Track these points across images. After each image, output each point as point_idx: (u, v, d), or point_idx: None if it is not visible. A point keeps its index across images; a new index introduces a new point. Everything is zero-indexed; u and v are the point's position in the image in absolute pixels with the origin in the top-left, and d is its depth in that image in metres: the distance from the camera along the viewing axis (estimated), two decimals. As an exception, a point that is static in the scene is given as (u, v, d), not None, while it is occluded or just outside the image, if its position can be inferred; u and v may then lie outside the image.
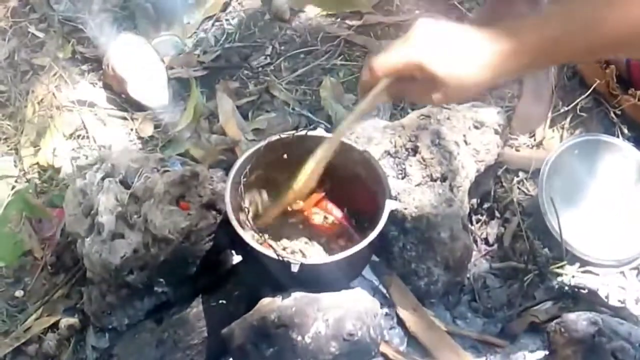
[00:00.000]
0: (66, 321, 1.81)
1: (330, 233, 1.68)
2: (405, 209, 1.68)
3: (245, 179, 1.59)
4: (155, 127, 2.24)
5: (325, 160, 1.49)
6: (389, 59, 1.29)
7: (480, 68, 1.24)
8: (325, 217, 1.66)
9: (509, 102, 2.26)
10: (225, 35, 2.50)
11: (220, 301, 1.64)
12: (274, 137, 1.62)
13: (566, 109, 2.21)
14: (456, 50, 1.24)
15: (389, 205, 1.51)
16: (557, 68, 2.28)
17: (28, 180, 2.11)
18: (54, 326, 1.83)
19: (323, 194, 1.65)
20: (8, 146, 2.22)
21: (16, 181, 2.12)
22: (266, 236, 1.60)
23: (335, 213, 1.66)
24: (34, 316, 1.84)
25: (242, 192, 1.60)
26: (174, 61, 2.40)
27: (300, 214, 1.66)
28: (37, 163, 2.15)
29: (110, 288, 1.66)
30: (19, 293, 1.91)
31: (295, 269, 1.41)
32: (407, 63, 1.26)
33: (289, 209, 1.60)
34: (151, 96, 2.28)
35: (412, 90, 1.31)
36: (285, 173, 1.65)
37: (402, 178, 1.74)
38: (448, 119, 1.84)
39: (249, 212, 1.66)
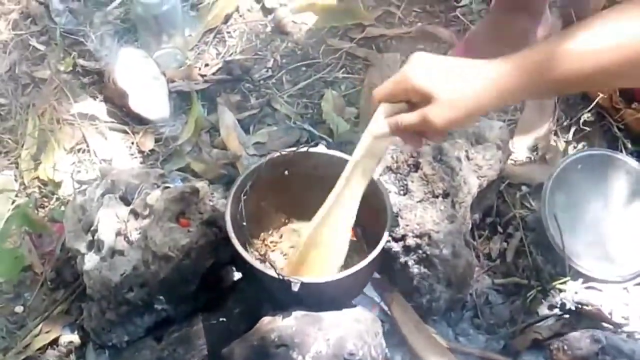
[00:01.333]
0: (66, 337, 1.80)
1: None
2: (407, 225, 1.67)
3: (245, 197, 1.59)
4: (156, 140, 2.23)
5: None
6: (385, 84, 1.35)
7: (476, 87, 1.26)
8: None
9: (511, 116, 2.25)
10: (226, 48, 2.50)
11: (221, 319, 1.63)
12: (275, 154, 1.61)
13: (569, 122, 2.20)
14: (449, 74, 1.29)
15: (390, 223, 1.50)
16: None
17: (28, 195, 2.10)
18: (54, 342, 1.81)
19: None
20: (8, 160, 2.21)
21: (16, 195, 2.11)
22: (267, 255, 1.59)
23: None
24: (33, 332, 1.83)
25: (243, 210, 1.59)
26: (175, 74, 2.39)
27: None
28: (38, 177, 2.14)
29: (110, 305, 1.65)
30: (18, 309, 1.89)
31: (295, 288, 1.40)
32: (399, 83, 1.31)
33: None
34: (152, 109, 2.27)
35: (410, 117, 1.32)
36: (286, 189, 1.65)
37: (404, 194, 1.73)
38: (450, 134, 1.83)
39: (249, 230, 1.65)
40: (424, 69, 1.29)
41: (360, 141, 1.41)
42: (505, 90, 1.26)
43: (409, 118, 1.31)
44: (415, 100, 1.30)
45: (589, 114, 2.19)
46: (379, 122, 1.35)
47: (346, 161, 1.57)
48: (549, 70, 1.22)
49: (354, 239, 1.68)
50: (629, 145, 2.12)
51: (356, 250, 1.65)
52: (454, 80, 1.27)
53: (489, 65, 1.27)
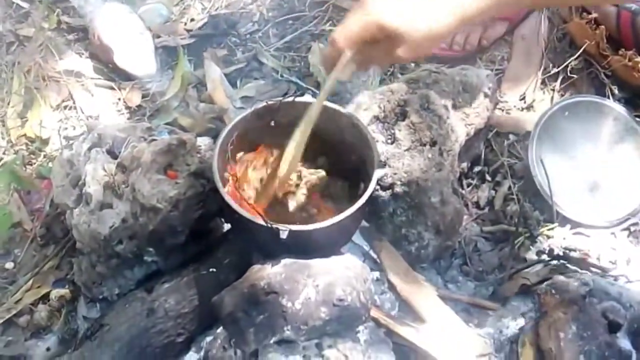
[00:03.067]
0: (57, 292, 1.81)
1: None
2: (395, 174, 1.67)
3: (232, 147, 1.59)
4: (143, 96, 2.22)
5: (304, 142, 1.49)
6: (348, 27, 1.29)
7: (441, 13, 1.23)
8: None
9: (499, 65, 2.25)
10: (212, 3, 2.48)
11: (211, 269, 1.63)
12: (261, 104, 1.61)
13: (556, 70, 2.20)
14: (415, 7, 1.25)
15: (378, 173, 1.51)
16: (547, 30, 2.27)
17: (16, 152, 2.10)
18: (45, 297, 1.82)
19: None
20: (-5, 118, 2.20)
21: (4, 153, 2.11)
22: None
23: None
24: (24, 288, 1.84)
25: (230, 160, 1.59)
26: (161, 29, 2.37)
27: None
28: (25, 134, 2.13)
29: (100, 258, 1.65)
30: (9, 265, 1.90)
31: (284, 235, 1.40)
32: (366, 26, 1.26)
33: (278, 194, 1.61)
34: (138, 65, 2.26)
35: (377, 54, 1.30)
36: (272, 139, 1.64)
37: (392, 143, 1.72)
38: (437, 82, 1.82)
39: (237, 179, 1.65)
40: (386, 6, 1.25)
41: (325, 87, 1.43)
42: (471, 13, 1.23)
43: (379, 61, 1.29)
44: (381, 38, 1.27)
45: (576, 62, 2.19)
46: (346, 69, 1.34)
47: (333, 111, 1.59)
48: None
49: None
50: (616, 92, 2.12)
51: (344, 198, 1.65)
52: (418, 15, 1.23)
53: None
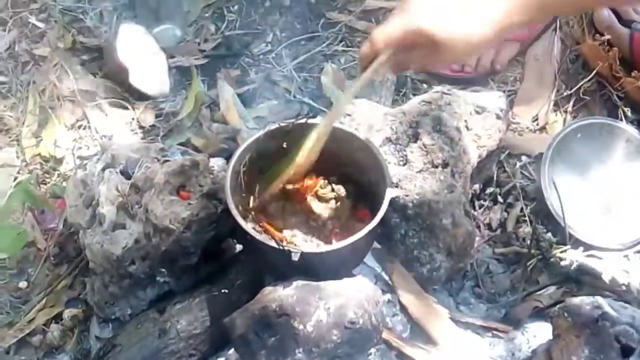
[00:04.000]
0: (69, 312, 1.82)
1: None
2: (407, 195, 1.67)
3: (245, 168, 1.59)
4: (157, 116, 2.23)
5: (326, 133, 1.49)
6: (388, 29, 1.29)
7: (481, 23, 1.22)
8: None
9: (511, 86, 2.25)
10: (225, 23, 2.49)
11: (223, 290, 1.64)
12: (273, 126, 1.61)
13: (569, 92, 2.20)
14: (453, 9, 1.24)
15: (390, 193, 1.51)
16: (560, 51, 2.27)
17: (30, 171, 2.11)
18: (58, 317, 1.83)
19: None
20: (10, 137, 2.21)
21: (18, 172, 2.11)
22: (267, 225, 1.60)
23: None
24: (37, 307, 1.84)
25: (243, 181, 1.60)
26: (175, 50, 2.39)
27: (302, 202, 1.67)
28: (39, 154, 2.14)
29: (113, 278, 1.66)
30: (22, 284, 1.91)
31: (296, 257, 1.41)
32: (406, 30, 1.26)
33: (290, 186, 1.61)
34: (152, 85, 2.28)
35: (415, 58, 1.30)
36: (285, 161, 1.65)
37: (404, 165, 1.73)
38: (449, 104, 1.83)
39: (249, 201, 1.66)
40: (427, 11, 1.25)
41: (357, 83, 1.40)
42: (512, 23, 1.23)
43: (415, 65, 1.29)
44: (419, 42, 1.26)
45: (589, 83, 2.19)
46: (380, 70, 1.33)
47: (345, 132, 1.59)
48: None
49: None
50: (629, 114, 2.12)
51: (356, 221, 1.65)
52: (462, 23, 1.23)
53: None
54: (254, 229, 1.54)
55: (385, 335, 1.56)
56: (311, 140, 1.48)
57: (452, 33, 1.23)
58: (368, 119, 1.79)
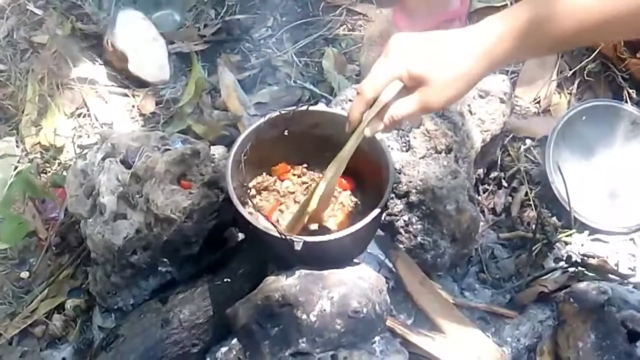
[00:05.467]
0: (72, 302, 1.81)
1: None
2: (410, 182, 1.65)
3: (246, 157, 1.57)
4: (157, 103, 2.22)
5: (335, 180, 1.48)
6: (376, 79, 1.28)
7: (466, 58, 1.22)
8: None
9: (514, 68, 2.22)
10: (225, 8, 2.47)
11: (225, 279, 1.63)
12: (274, 114, 1.59)
13: (573, 74, 2.18)
14: (438, 49, 1.24)
15: (393, 180, 1.49)
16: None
17: (30, 161, 2.10)
18: (60, 307, 1.82)
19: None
20: (9, 126, 2.20)
21: (18, 162, 2.10)
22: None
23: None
24: (39, 297, 1.84)
25: (244, 170, 1.58)
26: (174, 36, 2.37)
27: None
28: (39, 143, 2.13)
29: (115, 268, 1.65)
30: (24, 274, 1.90)
31: (298, 247, 1.39)
32: (392, 74, 1.25)
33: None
34: (152, 72, 2.26)
35: (408, 108, 1.28)
36: (287, 149, 1.63)
37: (407, 151, 1.72)
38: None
39: (251, 189, 1.65)
40: (412, 54, 1.24)
41: (350, 142, 1.39)
42: (498, 57, 1.21)
43: (407, 110, 1.27)
44: (409, 85, 1.26)
45: (593, 65, 2.17)
46: (374, 123, 1.32)
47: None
48: (548, 28, 1.17)
49: (350, 186, 1.69)
50: (634, 95, 2.10)
51: (359, 209, 1.64)
52: (445, 59, 1.22)
53: (477, 33, 1.22)
54: (254, 217, 1.53)
55: (389, 322, 1.54)
56: (320, 189, 1.47)
57: (438, 70, 1.22)
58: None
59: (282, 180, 1.71)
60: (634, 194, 1.92)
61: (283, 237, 1.40)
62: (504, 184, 1.99)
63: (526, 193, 1.96)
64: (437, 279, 1.74)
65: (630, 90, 2.10)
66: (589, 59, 2.17)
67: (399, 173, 1.65)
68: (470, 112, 1.80)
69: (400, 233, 1.69)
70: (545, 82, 2.18)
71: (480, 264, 1.85)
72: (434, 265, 1.71)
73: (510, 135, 2.06)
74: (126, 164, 1.69)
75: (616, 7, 1.13)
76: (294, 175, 1.72)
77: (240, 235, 1.74)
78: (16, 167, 2.08)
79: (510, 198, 1.97)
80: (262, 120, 1.59)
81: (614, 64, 2.15)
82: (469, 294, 1.78)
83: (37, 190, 2.00)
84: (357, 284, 1.46)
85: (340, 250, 1.50)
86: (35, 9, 2.49)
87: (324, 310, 1.41)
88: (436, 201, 1.65)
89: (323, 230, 1.59)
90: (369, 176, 1.61)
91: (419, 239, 1.68)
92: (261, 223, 1.48)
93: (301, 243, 1.39)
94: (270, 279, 1.48)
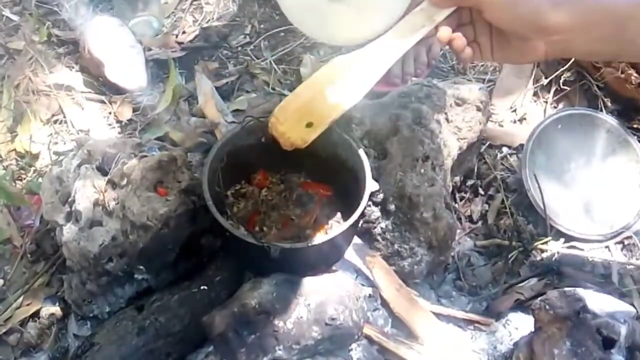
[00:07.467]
0: (47, 310, 1.79)
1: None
2: (387, 189, 1.66)
3: (223, 164, 1.57)
4: (134, 110, 2.21)
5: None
6: None
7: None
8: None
9: (491, 76, 2.24)
10: (203, 15, 2.47)
11: (202, 287, 1.62)
12: (252, 121, 1.59)
13: (549, 82, 2.19)
14: None
15: (369, 187, 1.49)
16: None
17: (5, 167, 2.07)
18: (35, 315, 1.80)
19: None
20: (-16, 133, 2.18)
21: (-7, 168, 2.09)
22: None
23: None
24: (14, 305, 1.81)
25: (221, 177, 1.58)
26: (152, 42, 2.36)
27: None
28: (14, 149, 2.10)
29: (90, 276, 1.63)
30: (-2, 282, 1.88)
31: (275, 253, 1.39)
32: None
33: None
34: (129, 79, 2.24)
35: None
36: (264, 156, 1.63)
37: (383, 158, 1.72)
38: (429, 96, 1.82)
39: (228, 197, 1.64)
40: None
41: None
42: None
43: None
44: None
45: (569, 74, 2.19)
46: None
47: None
48: None
49: (328, 193, 1.69)
50: (609, 104, 2.12)
51: (336, 216, 1.64)
52: None
53: None
54: (231, 224, 1.52)
55: (366, 330, 1.54)
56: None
57: None
58: (347, 112, 1.78)
59: (261, 188, 1.71)
60: (610, 202, 1.94)
61: (260, 244, 1.40)
62: (481, 191, 2.00)
63: (502, 201, 1.97)
64: (414, 286, 1.74)
65: (605, 99, 2.13)
66: (565, 67, 2.19)
67: (376, 180, 1.65)
68: (447, 119, 1.81)
69: (377, 240, 1.69)
70: (522, 90, 2.20)
71: (457, 272, 1.85)
72: (411, 273, 1.71)
73: (487, 143, 2.07)
74: (102, 170, 1.68)
75: None
76: (273, 182, 1.72)
77: (217, 243, 1.74)
78: (-9, 174, 2.07)
79: (486, 206, 1.98)
80: (238, 127, 1.59)
81: (589, 73, 2.17)
82: (445, 302, 1.78)
83: (12, 197, 1.97)
84: (334, 291, 1.46)
85: (317, 257, 1.50)
86: (11, 14, 2.47)
87: (301, 317, 1.41)
88: (413, 208, 1.66)
89: (300, 237, 1.59)
90: (346, 183, 1.61)
91: (395, 246, 1.68)
92: (238, 230, 1.48)
93: (278, 250, 1.39)
94: (247, 285, 1.48)
